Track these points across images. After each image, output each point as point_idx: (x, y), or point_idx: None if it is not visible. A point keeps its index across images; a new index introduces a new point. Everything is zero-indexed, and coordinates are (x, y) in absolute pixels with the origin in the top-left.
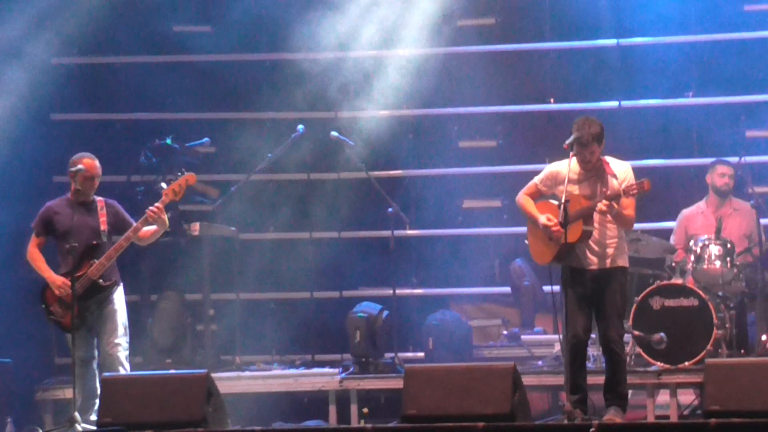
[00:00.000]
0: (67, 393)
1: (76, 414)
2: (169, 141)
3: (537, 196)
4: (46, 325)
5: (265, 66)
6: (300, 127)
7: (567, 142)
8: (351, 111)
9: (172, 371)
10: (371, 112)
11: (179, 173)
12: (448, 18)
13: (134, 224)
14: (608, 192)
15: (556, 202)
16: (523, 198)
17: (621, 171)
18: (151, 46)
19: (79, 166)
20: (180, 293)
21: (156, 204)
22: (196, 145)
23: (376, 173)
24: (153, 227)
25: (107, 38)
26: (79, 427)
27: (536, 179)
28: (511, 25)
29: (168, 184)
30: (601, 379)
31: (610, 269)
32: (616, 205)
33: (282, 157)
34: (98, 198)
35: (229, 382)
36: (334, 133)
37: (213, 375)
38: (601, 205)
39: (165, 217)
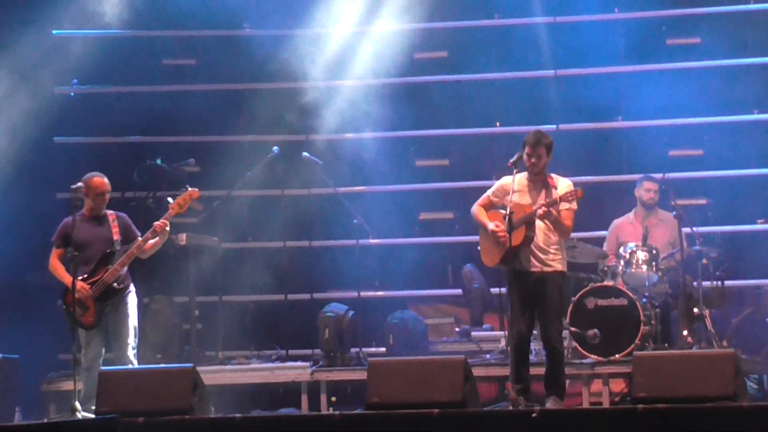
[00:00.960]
0: (69, 385)
1: (77, 403)
2: (158, 161)
3: (490, 206)
4: (49, 325)
5: (244, 94)
6: (275, 148)
7: (511, 160)
8: (320, 134)
9: (162, 365)
10: (338, 135)
11: (183, 189)
12: (406, 51)
13: (139, 234)
14: (548, 199)
15: (504, 211)
16: (476, 208)
17: (563, 186)
18: (143, 78)
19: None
20: (169, 296)
21: (163, 217)
22: (182, 165)
23: (343, 189)
24: (156, 239)
25: (104, 70)
26: (79, 415)
27: (489, 192)
28: (462, 57)
29: (174, 198)
30: (542, 371)
31: (550, 273)
32: (554, 212)
33: (259, 175)
34: (109, 212)
35: (213, 374)
36: (305, 154)
37: (198, 368)
38: (540, 210)
39: (168, 229)
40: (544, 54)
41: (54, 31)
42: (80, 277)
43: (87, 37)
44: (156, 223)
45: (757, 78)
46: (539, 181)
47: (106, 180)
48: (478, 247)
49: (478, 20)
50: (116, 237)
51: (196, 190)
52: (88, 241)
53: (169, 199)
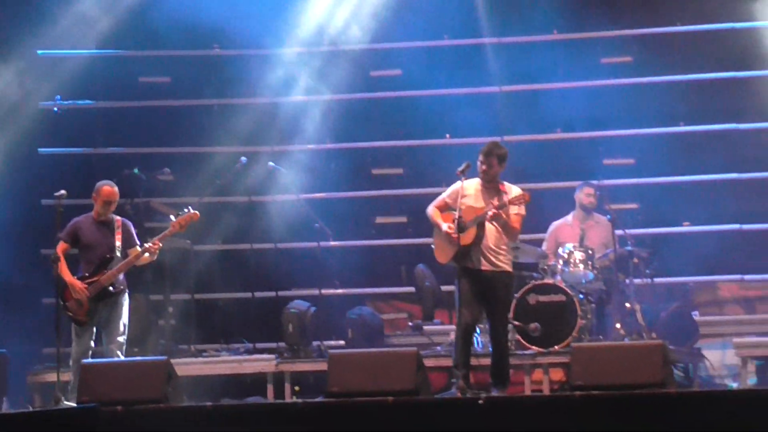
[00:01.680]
0: (52, 377)
1: (60, 393)
2: (136, 171)
3: (445, 208)
4: (34, 322)
5: (214, 109)
6: (243, 158)
7: (459, 169)
8: (284, 145)
9: (139, 358)
10: (301, 146)
11: (186, 210)
12: (363, 70)
13: (139, 243)
14: (497, 203)
15: (455, 214)
16: (432, 209)
17: (514, 192)
18: (121, 94)
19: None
20: (145, 295)
21: (159, 235)
22: (157, 174)
23: (305, 195)
24: (148, 255)
25: (85, 87)
26: (62, 405)
27: (444, 195)
28: (414, 75)
29: (176, 217)
30: (488, 361)
31: (499, 273)
32: (504, 215)
33: (228, 183)
34: (117, 217)
35: (185, 366)
36: (270, 164)
37: (172, 361)
38: (491, 212)
39: (156, 253)
40: (490, 72)
41: (39, 51)
42: (79, 276)
43: (69, 56)
44: (149, 245)
45: (684, 94)
46: (492, 188)
47: (115, 189)
48: (432, 245)
49: (430, 41)
50: (118, 243)
51: (198, 213)
52: (93, 244)
53: (172, 218)
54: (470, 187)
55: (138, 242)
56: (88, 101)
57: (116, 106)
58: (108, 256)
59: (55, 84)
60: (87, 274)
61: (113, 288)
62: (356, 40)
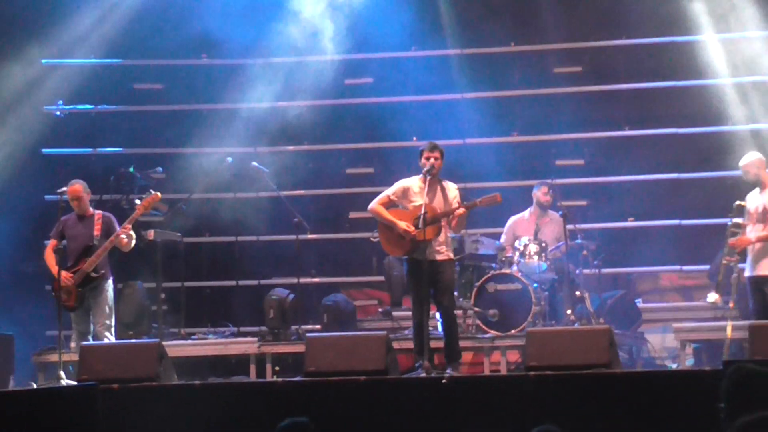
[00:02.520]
0: (55, 357)
1: (62, 372)
2: (131, 169)
3: (388, 205)
4: (39, 307)
5: (203, 113)
6: (229, 158)
7: (424, 170)
8: (267, 146)
9: (133, 341)
10: (282, 147)
11: (148, 192)
12: (338, 78)
13: (117, 233)
14: (460, 202)
15: (404, 209)
16: (377, 207)
17: (452, 189)
18: (118, 99)
19: (64, 188)
20: (139, 282)
21: (128, 219)
22: (151, 172)
23: (285, 192)
24: (125, 239)
25: (85, 93)
26: (63, 383)
27: (389, 192)
28: (385, 83)
29: (141, 200)
30: (441, 344)
31: (444, 261)
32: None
33: (215, 180)
34: (97, 212)
35: (176, 348)
36: (254, 163)
37: (164, 343)
38: (461, 210)
39: (132, 232)
40: (453, 80)
41: (43, 61)
42: (65, 266)
43: (70, 65)
44: (123, 226)
45: (628, 101)
46: (434, 184)
47: (77, 186)
48: (373, 238)
49: (399, 52)
50: (97, 233)
51: (159, 193)
52: (74, 236)
53: (137, 201)
54: (414, 186)
55: (118, 230)
56: (88, 106)
57: (113, 110)
58: (88, 245)
59: (57, 90)
60: (71, 264)
61: (95, 273)
62: (332, 51)
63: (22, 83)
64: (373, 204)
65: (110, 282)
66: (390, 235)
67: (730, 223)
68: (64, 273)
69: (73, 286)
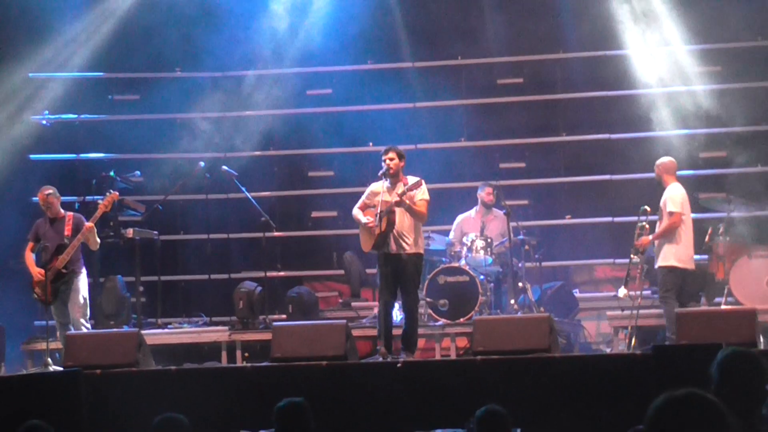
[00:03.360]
0: (42, 346)
1: (48, 359)
2: (112, 173)
3: (364, 208)
4: (26, 300)
5: (177, 122)
6: (201, 163)
7: (381, 171)
8: (236, 152)
9: (114, 330)
10: (249, 153)
11: (107, 193)
12: (300, 89)
13: (82, 231)
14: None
15: (374, 210)
16: (356, 210)
17: (412, 181)
18: (98, 109)
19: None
20: (119, 277)
21: (91, 218)
22: (130, 176)
23: (253, 194)
24: (90, 236)
25: (69, 103)
26: (50, 369)
27: (363, 197)
28: (343, 93)
29: (102, 199)
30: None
31: (409, 255)
32: (408, 202)
33: (189, 183)
34: (68, 213)
35: (153, 336)
36: (224, 167)
37: (142, 332)
38: (396, 200)
39: (95, 235)
40: (405, 90)
41: (30, 74)
42: (40, 264)
43: (55, 78)
44: (87, 223)
45: (565, 109)
46: (396, 182)
47: (46, 192)
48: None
49: (356, 65)
50: (68, 233)
51: (117, 192)
52: (47, 237)
53: (99, 201)
54: (380, 186)
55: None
56: (71, 115)
57: (95, 119)
58: (60, 244)
59: (43, 101)
60: (45, 261)
61: (65, 269)
62: (295, 64)
63: (10, 95)
64: (354, 209)
65: (83, 276)
66: (363, 233)
67: (638, 224)
68: (37, 270)
69: (47, 282)
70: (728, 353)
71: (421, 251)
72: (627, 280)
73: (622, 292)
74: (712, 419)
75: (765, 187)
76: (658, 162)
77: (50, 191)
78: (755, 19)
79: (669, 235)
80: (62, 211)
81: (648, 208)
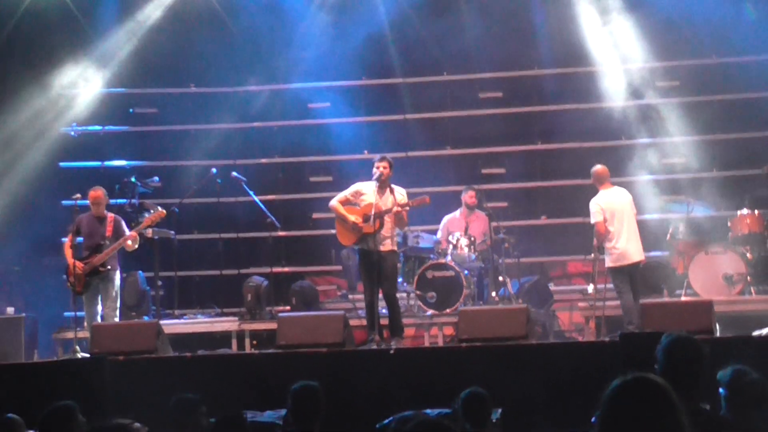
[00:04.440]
0: (71, 335)
1: (77, 347)
2: (133, 179)
3: (346, 203)
4: (58, 293)
5: (192, 132)
6: (214, 169)
7: (374, 177)
8: (245, 159)
9: (136, 320)
10: (256, 160)
11: (156, 208)
12: (302, 102)
13: (128, 232)
14: (399, 203)
15: (356, 207)
16: (336, 203)
17: (400, 192)
18: (121, 121)
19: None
20: (140, 272)
21: (136, 228)
22: (149, 181)
23: (260, 197)
24: (130, 243)
25: (95, 116)
26: (78, 356)
27: (347, 192)
28: (341, 106)
29: (149, 213)
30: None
31: (387, 252)
32: (404, 212)
33: (202, 188)
34: (110, 214)
35: (171, 326)
36: (234, 173)
37: (161, 322)
38: (396, 209)
39: (137, 240)
40: (396, 104)
41: (58, 89)
42: (79, 257)
43: (81, 93)
44: (131, 233)
45: (541, 120)
46: (385, 188)
47: (97, 193)
48: (334, 231)
49: (352, 80)
50: (108, 234)
51: (164, 211)
52: (89, 234)
53: (146, 214)
54: (367, 188)
55: (127, 232)
56: (97, 127)
57: (118, 131)
58: (100, 242)
59: (72, 114)
60: (84, 256)
61: (102, 267)
62: (298, 79)
63: (42, 109)
64: (333, 201)
65: (117, 273)
66: (342, 227)
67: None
68: (78, 262)
69: (82, 275)
70: (672, 338)
71: (396, 249)
72: (593, 276)
73: (590, 288)
74: (662, 401)
75: (720, 190)
76: (591, 170)
77: (101, 192)
78: (710, 39)
79: (601, 241)
80: (106, 211)
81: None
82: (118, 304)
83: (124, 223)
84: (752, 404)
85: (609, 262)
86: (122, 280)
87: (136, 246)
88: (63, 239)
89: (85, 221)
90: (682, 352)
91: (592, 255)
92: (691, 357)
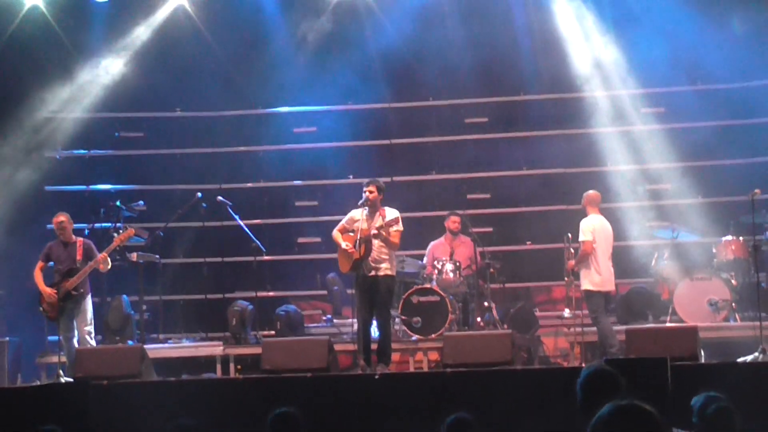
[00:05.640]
0: (55, 359)
1: (61, 371)
2: (118, 203)
3: (344, 231)
4: (41, 317)
5: (177, 156)
6: (199, 194)
7: (360, 202)
8: (230, 183)
9: (120, 345)
10: (241, 185)
11: (125, 228)
12: (287, 127)
13: (96, 258)
14: (378, 224)
15: (353, 234)
16: (335, 232)
17: (390, 214)
18: (106, 145)
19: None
20: (124, 296)
21: (105, 249)
22: (134, 206)
23: (246, 221)
24: (101, 265)
25: (79, 140)
26: (62, 380)
27: (343, 221)
28: (327, 131)
29: (118, 233)
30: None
31: (381, 276)
32: (384, 233)
33: (187, 212)
34: (79, 239)
35: (155, 350)
36: (219, 198)
37: (145, 346)
38: (374, 231)
39: (109, 258)
40: (382, 128)
41: (44, 114)
42: (50, 283)
43: (66, 117)
44: (101, 255)
45: (525, 145)
46: (374, 212)
47: (59, 218)
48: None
49: (339, 105)
50: (79, 258)
51: (133, 229)
52: (59, 259)
53: (114, 234)
54: (359, 214)
55: (98, 255)
56: (82, 151)
57: (103, 154)
58: (71, 267)
59: (57, 138)
60: (56, 282)
61: (75, 291)
62: (284, 104)
63: (27, 134)
64: (334, 230)
65: (89, 297)
66: (340, 254)
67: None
68: (48, 290)
69: (55, 301)
70: (590, 371)
71: (393, 274)
72: (568, 301)
73: (567, 312)
74: (650, 428)
75: (705, 216)
76: (584, 194)
77: (64, 217)
78: (695, 66)
79: (583, 261)
80: (74, 236)
81: (570, 235)
82: (93, 328)
83: (93, 246)
84: (722, 431)
85: (589, 285)
86: (97, 303)
87: (109, 266)
88: (49, 263)
89: (55, 247)
90: (600, 385)
91: (566, 279)
92: (609, 389)
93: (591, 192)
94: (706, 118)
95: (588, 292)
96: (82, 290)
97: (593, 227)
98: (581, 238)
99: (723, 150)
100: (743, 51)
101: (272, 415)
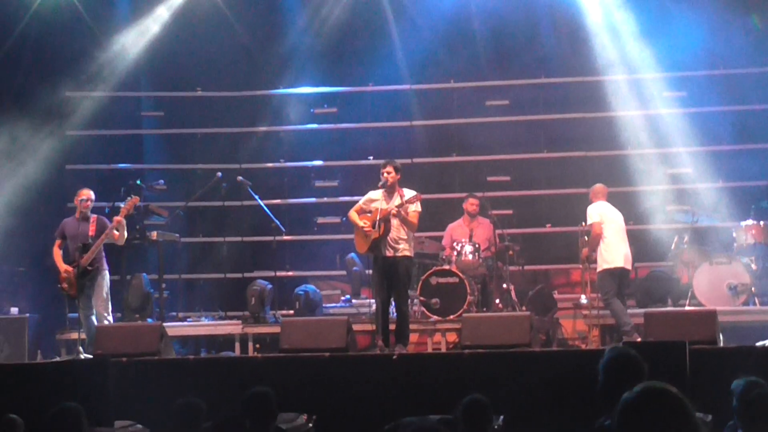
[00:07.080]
0: (74, 335)
1: (80, 347)
2: (138, 182)
3: (361, 211)
4: (60, 295)
5: (198, 136)
6: (219, 173)
7: (380, 183)
8: (250, 163)
9: (139, 322)
10: (262, 164)
11: (128, 198)
12: (307, 107)
13: (109, 226)
14: (396, 205)
15: (370, 214)
16: (352, 213)
17: (408, 194)
18: (128, 124)
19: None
20: (144, 275)
21: (116, 217)
22: (155, 184)
23: (266, 201)
24: (118, 232)
25: (101, 119)
26: (81, 357)
27: (360, 201)
28: (348, 111)
29: (124, 203)
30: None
31: (400, 257)
32: (403, 213)
33: (207, 191)
34: (93, 215)
35: (174, 328)
36: (239, 177)
37: (164, 324)
38: (394, 211)
39: (124, 223)
40: (403, 110)
41: (67, 93)
42: (67, 261)
43: (88, 96)
44: (115, 218)
45: (548, 127)
46: (392, 192)
47: (84, 193)
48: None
49: (359, 86)
50: (92, 233)
51: (137, 197)
52: (73, 236)
53: (120, 204)
54: (377, 195)
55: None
56: (103, 129)
57: (124, 133)
58: (85, 243)
59: (79, 117)
60: (72, 259)
61: (90, 266)
62: (305, 84)
63: (50, 112)
64: (350, 211)
65: (105, 273)
66: (357, 235)
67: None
68: (65, 267)
69: (73, 278)
70: (611, 355)
71: (411, 255)
72: (584, 286)
73: (584, 298)
74: (679, 411)
75: (725, 200)
76: (590, 189)
77: (90, 193)
78: (717, 50)
79: (595, 244)
80: (90, 214)
81: (584, 224)
82: (110, 305)
83: (106, 220)
84: (763, 417)
85: (603, 265)
86: (115, 281)
87: (125, 234)
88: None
89: (69, 224)
90: (624, 368)
91: (581, 266)
92: (632, 373)
93: (597, 185)
94: (727, 103)
95: (601, 273)
96: (97, 265)
97: (598, 210)
98: (589, 221)
99: (744, 135)
100: (765, 36)
101: (247, 395)
